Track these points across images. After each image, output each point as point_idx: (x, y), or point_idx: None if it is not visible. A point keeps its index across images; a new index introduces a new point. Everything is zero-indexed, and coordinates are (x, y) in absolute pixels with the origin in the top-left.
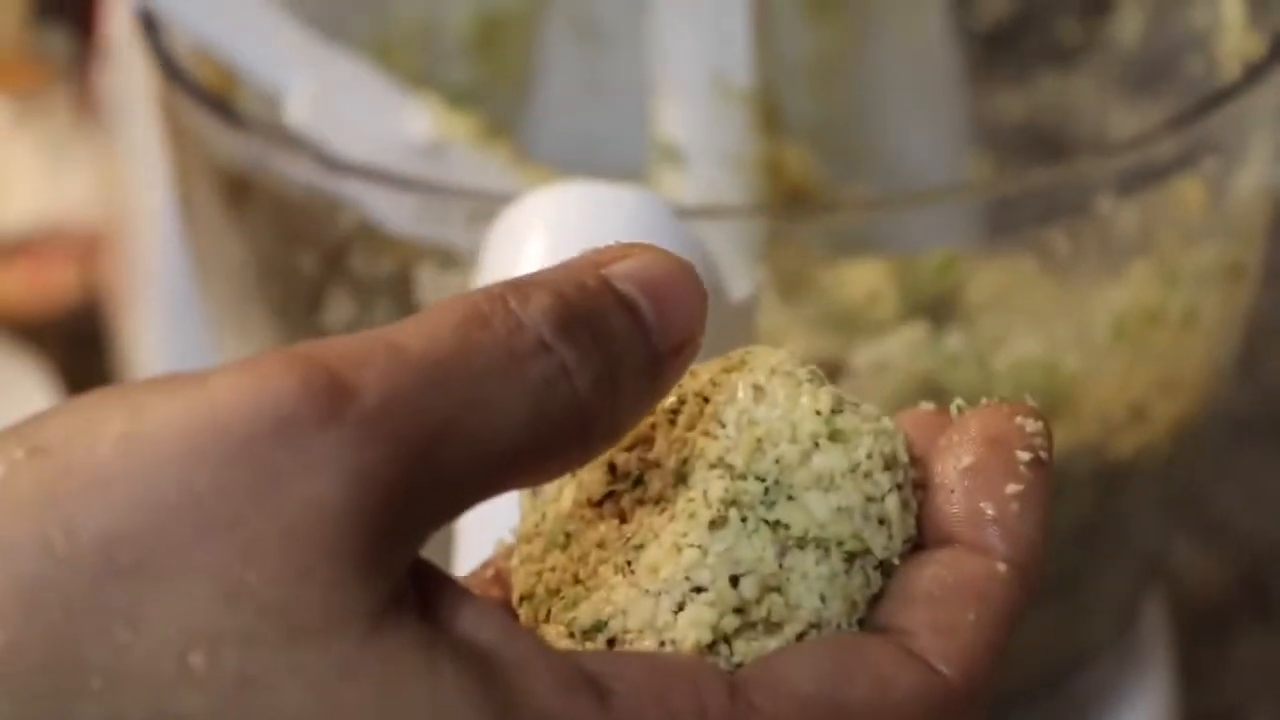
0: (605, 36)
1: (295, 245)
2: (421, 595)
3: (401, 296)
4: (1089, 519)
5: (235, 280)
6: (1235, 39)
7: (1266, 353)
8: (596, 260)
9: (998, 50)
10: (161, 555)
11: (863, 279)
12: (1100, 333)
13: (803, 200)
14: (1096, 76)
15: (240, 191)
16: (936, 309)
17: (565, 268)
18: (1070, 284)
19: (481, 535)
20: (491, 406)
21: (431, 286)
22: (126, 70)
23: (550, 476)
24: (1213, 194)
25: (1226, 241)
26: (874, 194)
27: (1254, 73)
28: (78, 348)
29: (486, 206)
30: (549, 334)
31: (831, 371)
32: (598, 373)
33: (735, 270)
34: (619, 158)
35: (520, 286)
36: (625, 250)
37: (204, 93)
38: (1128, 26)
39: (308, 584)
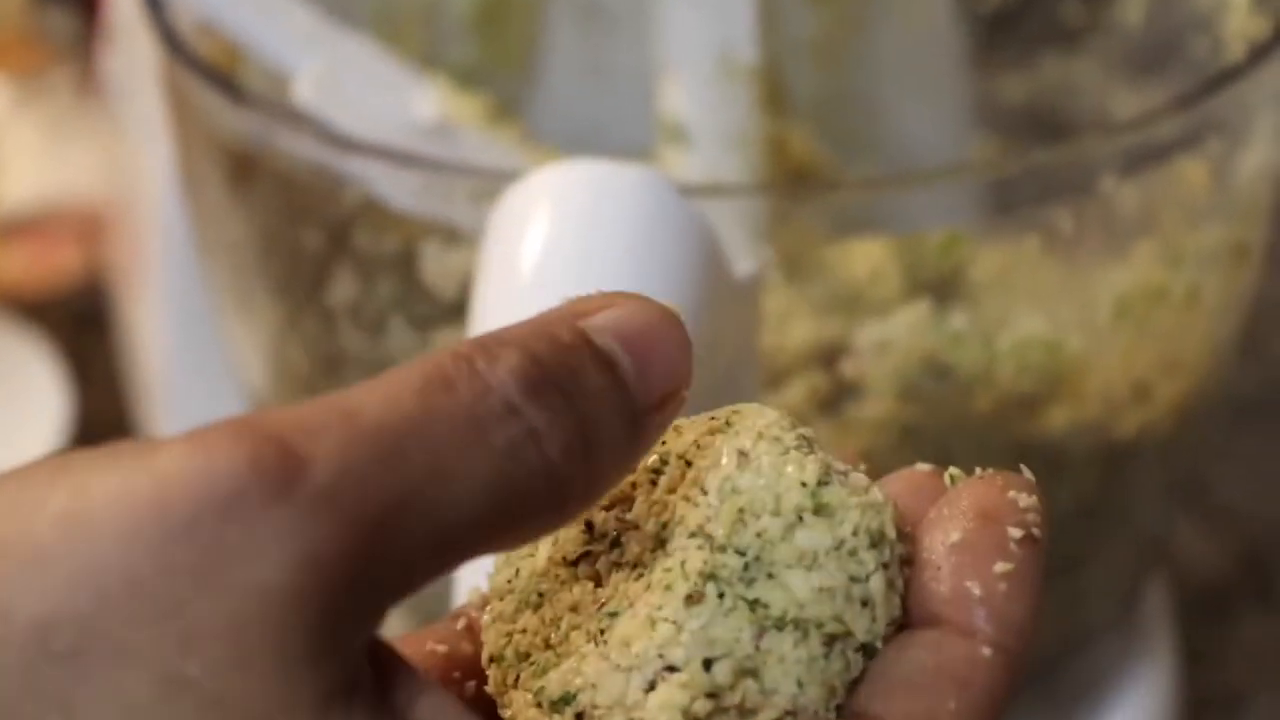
0: (609, 17)
1: (299, 222)
2: (378, 682)
3: (405, 274)
4: (1091, 499)
5: (239, 258)
6: (1240, 20)
7: (1269, 335)
8: (575, 311)
9: (1001, 32)
10: (98, 641)
11: (866, 258)
12: (1103, 312)
13: (806, 180)
14: (1100, 58)
15: (244, 168)
16: (940, 288)
17: (540, 321)
18: (1073, 264)
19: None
20: (452, 477)
21: (435, 264)
22: (129, 49)
23: (523, 542)
24: (1216, 174)
25: (1230, 222)
26: (877, 173)
27: (1258, 53)
28: (81, 326)
29: (491, 184)
30: (517, 396)
31: (835, 353)
32: (570, 436)
33: (739, 249)
34: (623, 138)
35: (488, 346)
36: (606, 300)
37: (208, 69)
38: (1131, 8)
39: (250, 674)
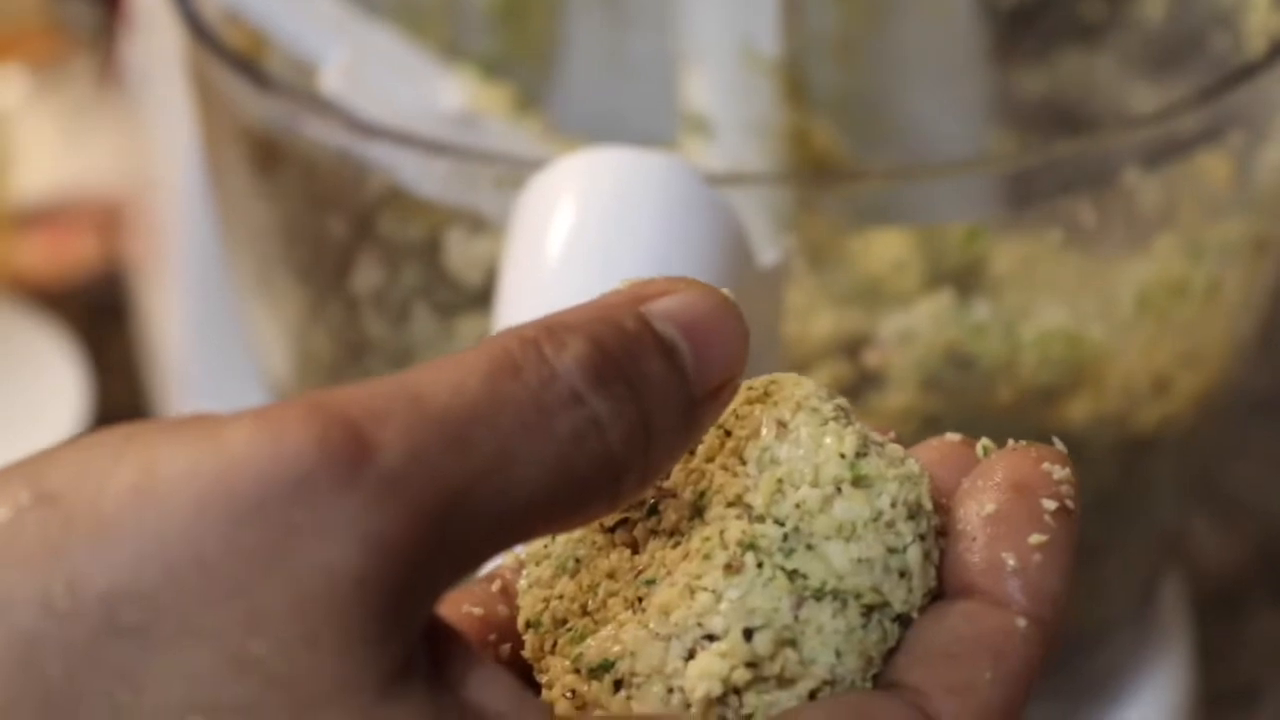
0: (630, 8)
1: (324, 210)
2: (432, 657)
3: (430, 261)
4: (1110, 491)
5: (263, 245)
6: (1260, 16)
7: None
8: (637, 296)
9: (1021, 27)
10: (166, 617)
11: (888, 249)
12: (1124, 305)
13: (828, 171)
14: (1120, 54)
15: (269, 156)
16: (962, 280)
17: (604, 304)
18: (1095, 256)
19: None
20: (516, 463)
21: (460, 251)
22: (151, 39)
23: (576, 526)
24: (1238, 168)
25: (1251, 216)
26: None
27: (1278, 49)
28: (99, 317)
29: (516, 172)
30: (582, 385)
31: (857, 343)
32: (631, 424)
33: (763, 237)
34: (643, 130)
35: (555, 331)
36: (668, 285)
37: (233, 56)
38: (1152, 4)
39: (315, 653)
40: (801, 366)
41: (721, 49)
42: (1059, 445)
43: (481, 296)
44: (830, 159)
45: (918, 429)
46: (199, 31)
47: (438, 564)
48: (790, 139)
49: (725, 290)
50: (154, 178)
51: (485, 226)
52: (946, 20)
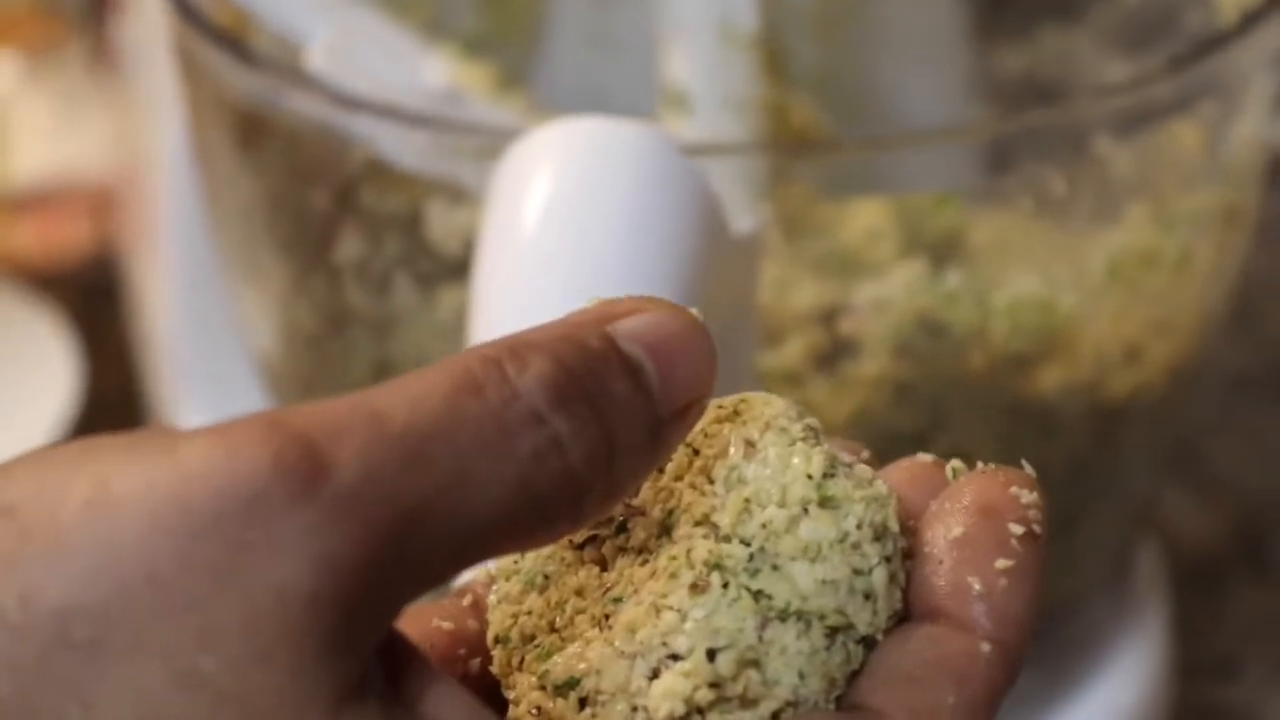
0: None
1: (306, 183)
2: (389, 674)
3: (411, 232)
4: (1083, 460)
5: (247, 220)
6: None
7: (1266, 311)
8: (603, 315)
9: (1000, 4)
10: (117, 632)
11: (863, 219)
12: (1095, 274)
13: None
14: (1098, 31)
15: (253, 130)
16: (936, 249)
17: (568, 325)
18: (1067, 225)
19: None
20: (476, 481)
21: (440, 222)
22: (141, 21)
23: (539, 545)
24: (1209, 138)
25: (1222, 186)
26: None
27: (1251, 19)
28: (91, 300)
29: (494, 143)
30: (544, 405)
31: (833, 312)
32: (593, 444)
33: (738, 207)
34: (628, 108)
35: (518, 350)
36: (636, 305)
37: (218, 31)
38: None
39: (267, 670)
40: (777, 334)
41: (700, 23)
42: (1028, 469)
43: (462, 266)
44: (809, 135)
45: (891, 396)
46: (184, 9)
47: (393, 582)
48: (769, 114)
49: (694, 310)
50: (145, 159)
51: (465, 197)
52: None
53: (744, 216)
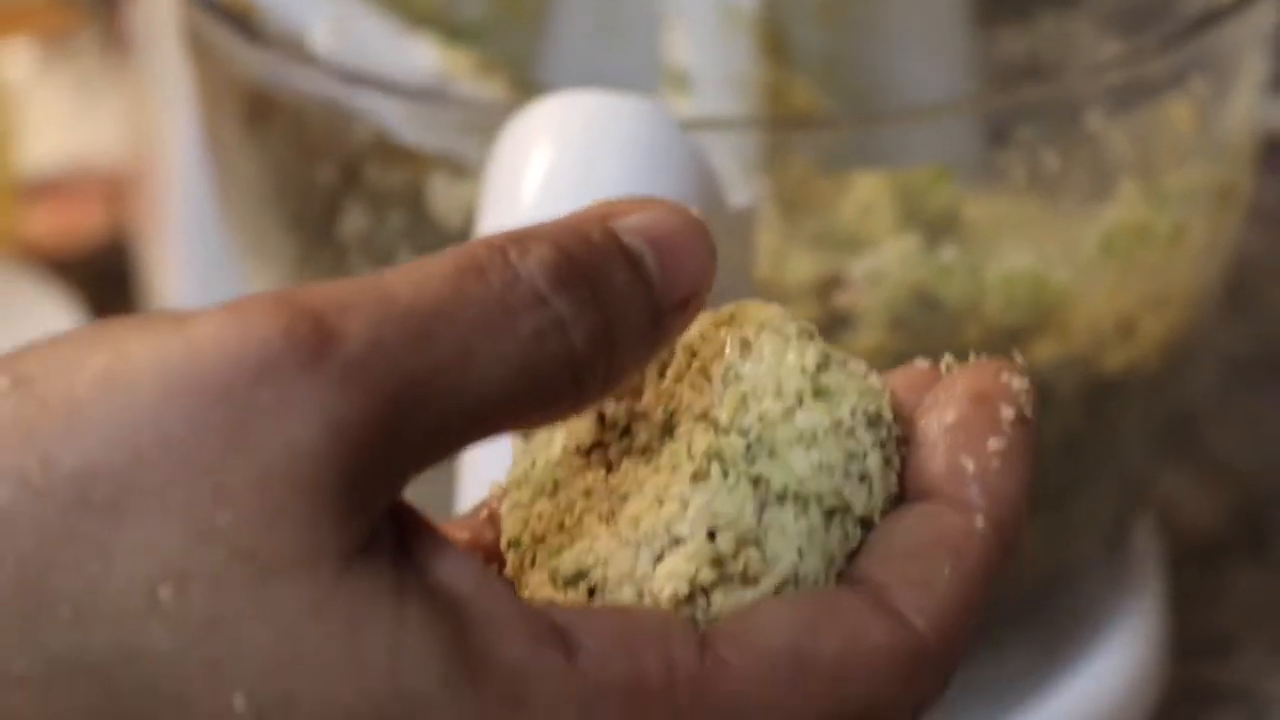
0: None
1: (312, 159)
2: (399, 539)
3: (414, 206)
4: (1077, 434)
5: (255, 197)
6: None
7: (1264, 294)
8: (605, 212)
9: None
10: (135, 493)
11: (858, 193)
12: (1089, 248)
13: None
14: (1095, 16)
15: (260, 108)
16: (931, 224)
17: (572, 218)
18: (1060, 200)
19: (481, 475)
20: (479, 358)
21: (443, 196)
22: (152, 5)
23: (540, 425)
24: (1202, 115)
25: (1215, 163)
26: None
27: None
28: (106, 284)
29: (495, 118)
30: (545, 287)
31: (830, 286)
32: (594, 327)
33: (735, 181)
34: (633, 92)
35: (520, 238)
36: (637, 204)
37: (225, 10)
38: None
39: (279, 526)
40: None
41: (701, 4)
42: (1019, 358)
43: (464, 239)
44: (810, 116)
45: (887, 368)
46: None
47: (400, 449)
48: (769, 95)
49: (694, 209)
50: (159, 144)
51: (466, 172)
52: None
53: (741, 190)
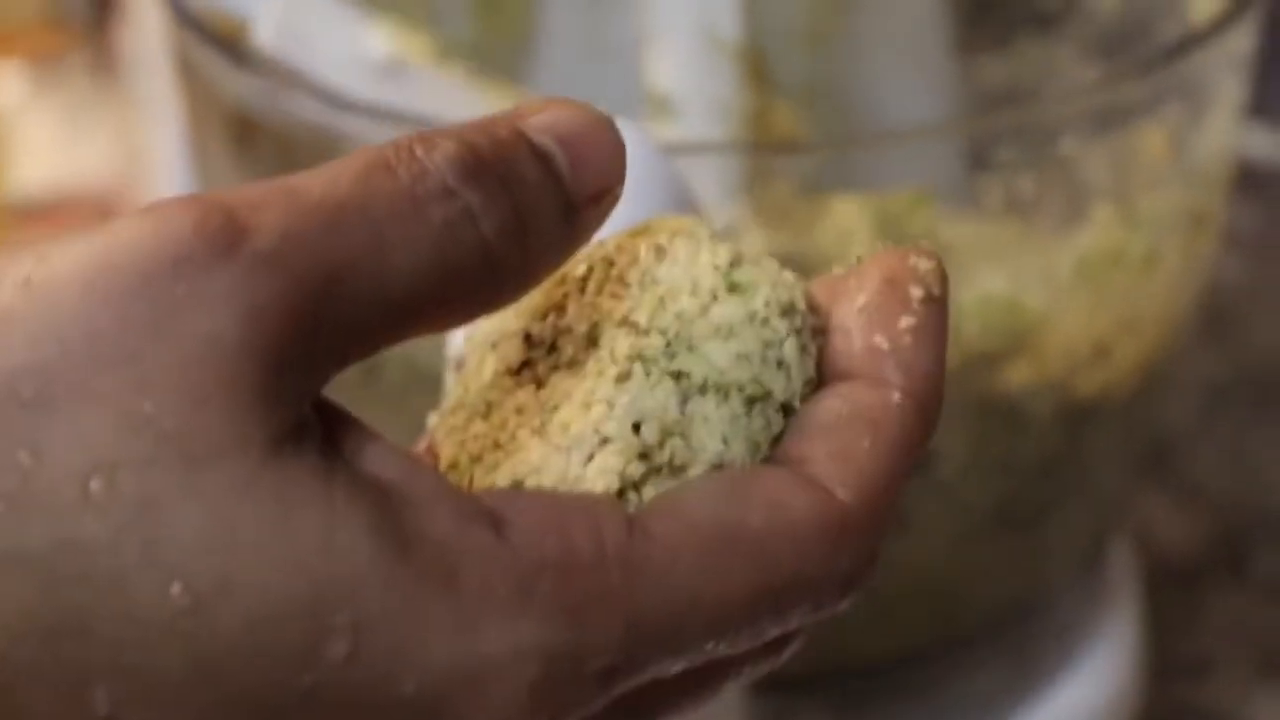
0: None
1: None
2: (327, 432)
3: None
4: (1053, 457)
5: None
6: (1205, 4)
7: (1242, 320)
8: (514, 113)
9: (980, 16)
10: (61, 387)
11: (837, 218)
12: (1064, 273)
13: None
14: (1077, 42)
15: (248, 131)
16: None
17: (480, 119)
18: (1035, 225)
19: None
20: (391, 249)
21: None
22: (142, 29)
23: (459, 320)
24: (1176, 142)
25: (1189, 189)
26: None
27: (1217, 24)
28: None
29: None
30: (454, 179)
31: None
32: (505, 218)
33: (713, 204)
34: (618, 114)
35: (427, 136)
36: (545, 104)
37: (214, 35)
38: None
39: (205, 411)
40: None
41: (683, 31)
42: (926, 244)
43: None
44: (791, 141)
45: None
46: (182, 14)
47: (321, 338)
48: (752, 122)
49: (604, 110)
50: (148, 165)
51: None
52: (913, 10)
53: (719, 213)
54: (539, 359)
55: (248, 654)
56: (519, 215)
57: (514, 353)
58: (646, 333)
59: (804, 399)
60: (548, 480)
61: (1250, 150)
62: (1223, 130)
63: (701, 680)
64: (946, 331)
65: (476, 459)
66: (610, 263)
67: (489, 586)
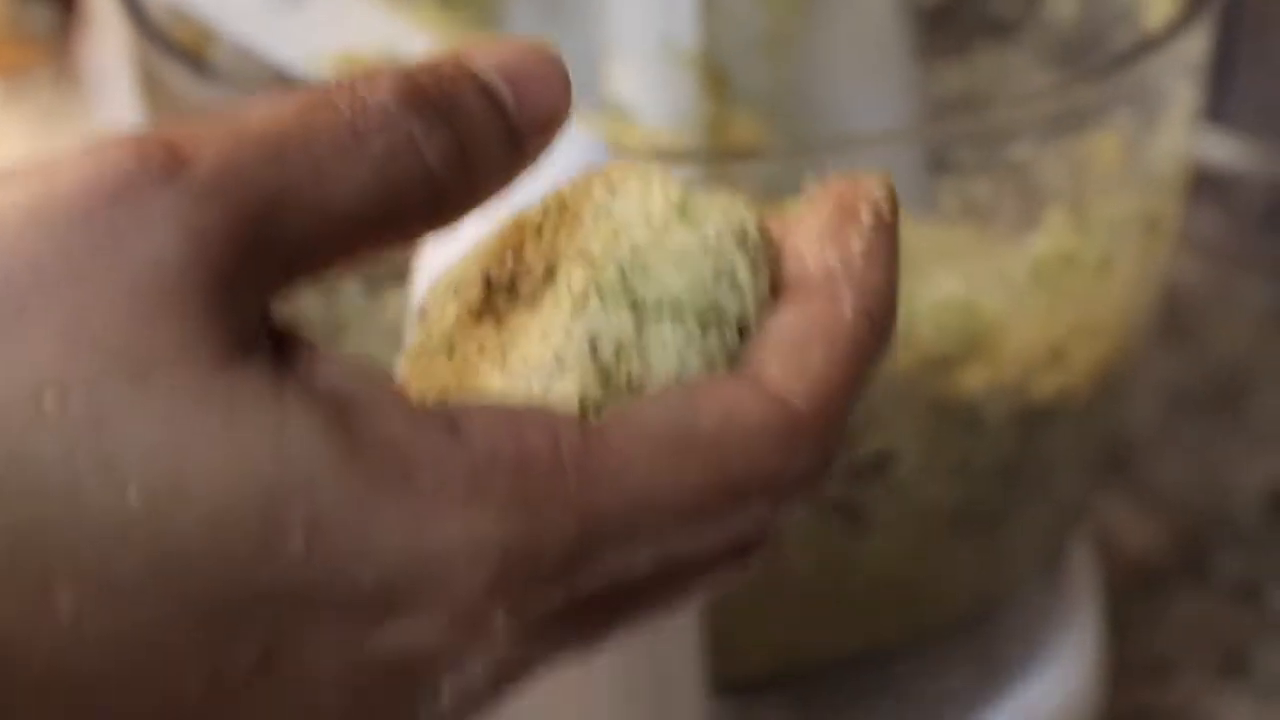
0: (564, 3)
1: None
2: (278, 346)
3: None
4: (1010, 460)
5: None
6: (1161, 11)
7: (1201, 324)
8: (458, 51)
9: (939, 24)
10: (8, 312)
11: None
12: (1019, 277)
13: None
14: (1033, 49)
15: None
16: None
17: (424, 58)
18: (990, 229)
19: None
20: (332, 177)
21: None
22: (107, 40)
23: (405, 240)
24: (1129, 147)
25: (1142, 195)
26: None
27: (1170, 30)
28: None
29: None
30: (395, 109)
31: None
32: (447, 145)
33: None
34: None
35: (370, 73)
36: (489, 42)
37: (177, 47)
38: (1063, 1)
39: (152, 327)
40: None
41: (641, 42)
42: (880, 172)
43: (407, 270)
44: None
45: None
46: (145, 26)
47: (262, 258)
48: (712, 129)
49: (547, 43)
50: None
51: None
52: (872, 19)
53: None
54: (499, 299)
55: (204, 554)
56: (461, 143)
57: (475, 296)
58: (602, 264)
59: (759, 320)
60: None
61: (1209, 155)
62: (1177, 135)
63: (667, 583)
64: (898, 254)
65: (441, 396)
66: (564, 205)
67: (443, 482)
